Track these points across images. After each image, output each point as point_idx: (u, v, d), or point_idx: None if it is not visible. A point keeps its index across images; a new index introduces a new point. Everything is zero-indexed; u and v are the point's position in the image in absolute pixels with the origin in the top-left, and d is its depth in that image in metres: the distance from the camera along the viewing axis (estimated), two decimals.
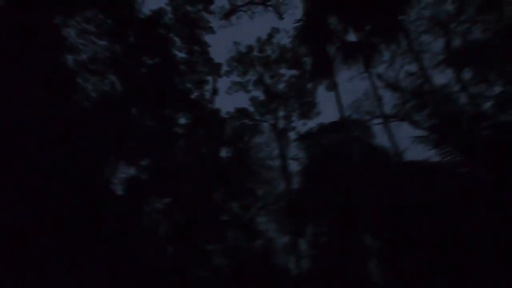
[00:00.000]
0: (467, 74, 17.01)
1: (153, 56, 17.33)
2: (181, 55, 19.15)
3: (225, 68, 24.89)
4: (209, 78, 21.33)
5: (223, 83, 27.93)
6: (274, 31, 24.30)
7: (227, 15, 20.29)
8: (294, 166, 21.75)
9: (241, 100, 29.89)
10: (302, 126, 24.52)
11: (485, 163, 5.69)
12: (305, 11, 13.49)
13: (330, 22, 12.43)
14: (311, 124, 24.08)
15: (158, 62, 17.14)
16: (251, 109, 25.64)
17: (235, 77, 26.12)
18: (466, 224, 4.26)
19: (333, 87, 17.08)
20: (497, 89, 15.74)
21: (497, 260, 4.54)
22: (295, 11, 19.42)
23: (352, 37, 12.99)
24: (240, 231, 18.70)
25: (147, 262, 12.59)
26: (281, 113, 25.61)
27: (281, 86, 25.69)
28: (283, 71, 25.38)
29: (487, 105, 15.89)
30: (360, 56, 12.77)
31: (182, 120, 18.61)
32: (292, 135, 24.40)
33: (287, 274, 17.33)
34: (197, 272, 14.92)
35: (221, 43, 23.12)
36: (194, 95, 19.74)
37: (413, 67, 18.56)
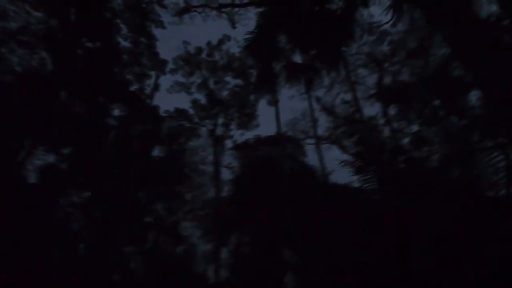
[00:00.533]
0: (392, 110, 18.84)
1: (94, 39, 16.23)
2: (125, 44, 18.28)
3: (170, 66, 24.30)
4: (152, 73, 20.63)
5: (166, 80, 27.20)
6: (226, 38, 24.46)
7: (180, 12, 19.88)
8: (226, 174, 21.83)
9: (182, 101, 29.34)
10: (240, 135, 24.82)
11: (396, 193, 6.30)
12: (257, 25, 13.75)
13: (280, 40, 12.86)
14: (249, 135, 24.55)
15: (98, 46, 16.10)
16: (191, 111, 25.30)
17: (179, 77, 25.63)
18: (373, 247, 4.71)
19: (274, 102, 17.63)
20: (415, 128, 17.68)
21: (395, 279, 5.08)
22: (248, 22, 19.78)
23: (298, 58, 13.57)
24: (163, 234, 18.10)
25: (52, 262, 11.51)
26: (220, 120, 25.65)
27: (225, 93, 25.81)
28: (228, 79, 25.57)
29: (405, 140, 17.75)
30: (302, 77, 13.36)
31: (116, 112, 17.64)
32: (228, 143, 24.54)
33: (204, 282, 17.14)
34: (111, 275, 14.03)
35: (170, 40, 22.56)
36: (133, 87, 18.90)
37: (348, 96, 19.96)
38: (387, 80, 19.53)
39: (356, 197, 5.46)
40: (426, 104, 16.67)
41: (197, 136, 24.42)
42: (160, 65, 21.10)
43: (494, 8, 11.10)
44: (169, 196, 20.08)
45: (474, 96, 13.46)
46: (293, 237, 9.63)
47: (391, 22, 14.00)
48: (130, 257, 15.17)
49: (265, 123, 24.87)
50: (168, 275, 14.61)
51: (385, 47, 18.86)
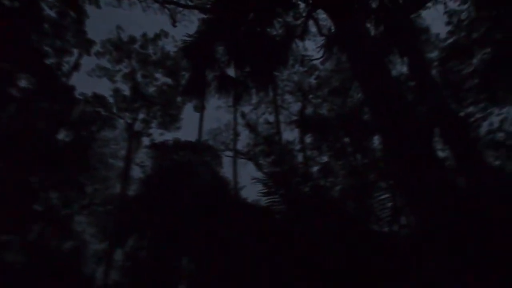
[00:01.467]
0: (308, 139, 20.25)
1: None
2: (50, 13, 16.53)
3: (98, 48, 22.64)
4: (75, 50, 18.95)
5: (89, 62, 25.14)
6: (163, 33, 23.76)
7: None
8: (136, 172, 20.80)
9: (103, 87, 27.43)
10: (159, 135, 24.01)
11: (299, 216, 6.77)
12: (198, 29, 13.77)
13: (217, 50, 13.02)
14: (168, 136, 23.89)
15: (17, 7, 14.28)
16: (111, 100, 23.73)
17: (105, 62, 23.96)
18: (271, 264, 5.01)
19: (200, 109, 17.59)
20: (325, 159, 19.24)
21: None
22: (190, 24, 19.59)
23: (231, 71, 13.84)
24: (51, 226, 16.32)
25: None
26: (141, 116, 24.53)
27: (151, 89, 24.85)
28: (158, 75, 24.73)
29: (315, 168, 19.19)
30: (232, 91, 13.64)
31: (23, 83, 15.67)
32: (145, 140, 23.53)
33: (91, 284, 15.84)
34: None
35: (102, 22, 21.07)
36: (50, 61, 17.07)
37: (271, 118, 20.87)
38: (309, 110, 20.99)
39: (263, 215, 5.74)
40: (338, 139, 18.32)
41: (112, 127, 22.91)
42: (85, 44, 19.51)
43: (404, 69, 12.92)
44: (67, 185, 18.31)
45: (377, 140, 15.20)
46: (193, 247, 9.58)
47: (321, 59, 15.26)
48: (7, 247, 13.32)
49: (188, 127, 24.53)
50: (50, 272, 13.16)
51: (312, 80, 20.34)
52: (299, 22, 14.10)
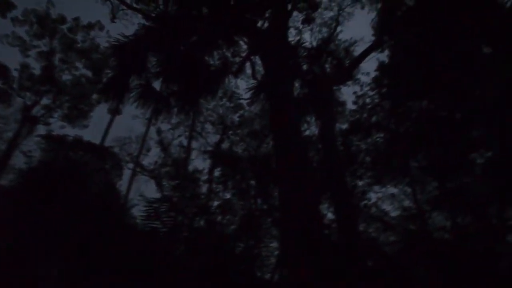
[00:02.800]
0: (217, 172, 20.27)
1: None
2: None
3: (17, 14, 20.23)
4: None
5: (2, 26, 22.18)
6: (98, 25, 22.37)
7: None
8: (19, 161, 18.18)
9: (11, 58, 24.32)
10: (59, 127, 21.70)
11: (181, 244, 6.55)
12: (135, 33, 13.31)
13: (149, 60, 12.66)
14: (70, 131, 21.77)
15: None
16: (15, 74, 20.98)
17: (22, 32, 21.40)
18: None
19: (114, 112, 16.55)
20: (228, 196, 19.35)
21: None
22: (129, 25, 18.88)
23: (158, 84, 13.47)
24: None
25: None
26: (45, 100, 22.04)
27: (67, 77, 22.73)
28: (78, 64, 22.83)
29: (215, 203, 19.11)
30: (153, 104, 13.21)
31: None
32: (41, 128, 20.99)
33: None
34: None
35: None
36: None
37: (185, 142, 20.55)
38: (225, 145, 21.26)
39: (141, 236, 5.42)
40: (244, 179, 18.72)
41: (6, 103, 20.06)
42: (2, 4, 17.29)
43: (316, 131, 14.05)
44: None
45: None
46: (59, 255, 8.53)
47: (248, 100, 15.82)
48: None
49: (96, 129, 22.67)
50: None
51: (235, 117, 20.85)
52: (237, 60, 14.63)
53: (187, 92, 13.23)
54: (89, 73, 22.90)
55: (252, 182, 18.58)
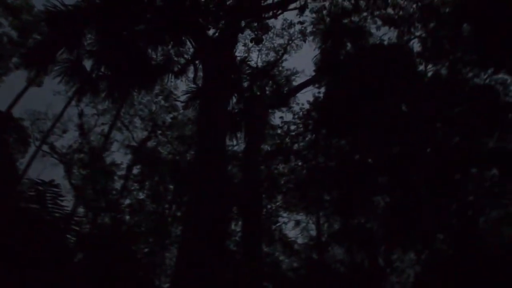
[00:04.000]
0: (136, 170, 19.29)
1: None
2: None
3: None
4: None
5: None
6: None
7: None
8: None
9: None
10: None
11: None
12: (77, 4, 12.42)
13: (85, 35, 11.83)
14: None
15: None
16: None
17: None
18: None
19: (32, 82, 15.02)
20: (141, 196, 18.49)
21: None
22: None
23: (89, 64, 12.58)
24: None
25: None
26: None
27: None
28: (4, 21, 20.27)
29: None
30: (80, 83, 12.28)
31: None
32: None
33: None
34: None
35: None
36: None
37: (106, 130, 19.28)
38: (150, 143, 20.43)
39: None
40: (163, 183, 18.09)
41: None
42: None
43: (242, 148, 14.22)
44: None
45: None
46: None
47: (184, 104, 15.55)
48: None
49: (8, 95, 20.14)
50: None
51: (167, 118, 20.19)
52: (181, 61, 14.32)
53: (120, 79, 12.54)
54: (14, 34, 20.48)
55: (171, 186, 18.02)
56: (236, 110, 11.84)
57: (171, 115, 20.05)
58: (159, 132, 20.70)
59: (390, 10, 11.53)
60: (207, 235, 5.60)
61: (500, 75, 10.12)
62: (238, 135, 11.84)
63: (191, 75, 14.31)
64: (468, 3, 8.86)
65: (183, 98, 15.10)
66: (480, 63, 9.96)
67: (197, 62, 13.90)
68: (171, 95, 19.01)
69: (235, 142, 12.39)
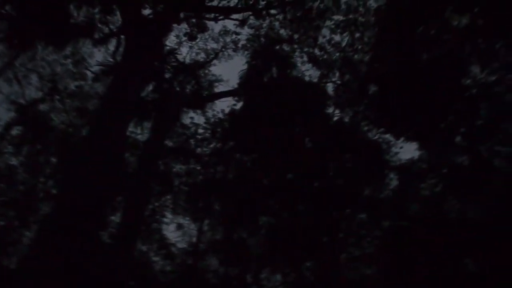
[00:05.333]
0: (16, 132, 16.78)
1: None
2: None
3: None
4: None
5: None
6: None
7: None
8: None
9: None
10: None
11: None
12: None
13: None
14: None
15: None
16: None
17: None
18: None
19: None
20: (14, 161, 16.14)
21: None
22: None
23: None
24: None
25: None
26: None
27: None
28: None
29: None
30: None
31: None
32: None
33: None
34: None
35: None
36: None
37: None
38: (42, 107, 18.06)
39: None
40: (46, 153, 16.12)
41: None
42: None
43: None
44: None
45: None
46: None
47: (95, 76, 14.28)
48: None
49: None
50: None
51: (72, 85, 18.18)
52: (105, 30, 13.15)
53: (26, 25, 10.98)
54: None
55: (53, 159, 16.08)
56: (150, 99, 11.32)
57: (76, 83, 18.07)
58: (57, 97, 18.43)
59: (317, 51, 12.51)
60: (78, 220, 5.14)
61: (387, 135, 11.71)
62: (145, 124, 11.27)
63: (112, 48, 13.23)
64: (378, 68, 10.16)
65: (95, 69, 13.87)
66: (376, 121, 11.40)
67: (122, 36, 12.93)
68: (83, 62, 17.20)
69: (139, 131, 11.75)
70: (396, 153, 11.98)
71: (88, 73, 16.91)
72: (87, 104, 17.59)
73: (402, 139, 11.30)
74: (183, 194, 13.14)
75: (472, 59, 9.60)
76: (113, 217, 11.61)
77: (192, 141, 13.22)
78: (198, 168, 12.92)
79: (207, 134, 13.16)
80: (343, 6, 11.70)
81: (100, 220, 6.86)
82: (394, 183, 11.71)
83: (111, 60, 12.45)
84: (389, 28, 9.22)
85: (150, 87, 11.34)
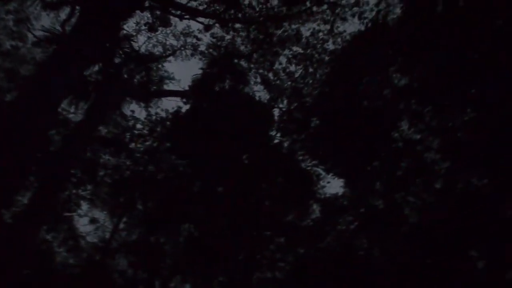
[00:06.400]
0: None
1: None
2: None
3: None
4: None
5: None
6: None
7: None
8: None
9: None
10: None
11: None
12: None
13: None
14: None
15: None
16: None
17: None
18: None
19: None
20: None
21: None
22: None
23: None
24: None
25: None
26: None
27: None
28: None
29: None
30: None
31: None
32: None
33: None
34: None
35: None
36: None
37: None
38: None
39: None
40: None
41: None
42: None
43: None
44: None
45: None
46: None
47: (37, 41, 13.15)
48: None
49: None
50: None
51: (7, 43, 16.46)
52: None
53: None
54: None
55: None
56: (92, 80, 10.67)
57: (13, 43, 16.40)
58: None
59: (271, 75, 12.94)
60: None
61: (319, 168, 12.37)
62: (81, 104, 10.53)
63: (63, 16, 12.31)
64: (323, 104, 10.80)
65: (39, 34, 12.77)
66: (312, 152, 12.00)
67: (77, 7, 12.11)
68: (27, 22, 15.71)
69: (73, 110, 10.92)
70: (323, 187, 12.65)
71: (30, 36, 15.49)
72: (20, 67, 16.04)
73: (331, 174, 12.05)
74: (105, 187, 12.39)
75: (403, 116, 10.62)
76: (21, 197, 10.50)
77: (127, 134, 12.63)
78: (128, 163, 12.31)
79: (145, 131, 12.70)
80: (303, 40, 12.35)
81: (4, 196, 6.25)
82: (316, 214, 12.32)
83: (58, 29, 11.56)
84: (339, 72, 9.89)
85: (96, 68, 10.70)
